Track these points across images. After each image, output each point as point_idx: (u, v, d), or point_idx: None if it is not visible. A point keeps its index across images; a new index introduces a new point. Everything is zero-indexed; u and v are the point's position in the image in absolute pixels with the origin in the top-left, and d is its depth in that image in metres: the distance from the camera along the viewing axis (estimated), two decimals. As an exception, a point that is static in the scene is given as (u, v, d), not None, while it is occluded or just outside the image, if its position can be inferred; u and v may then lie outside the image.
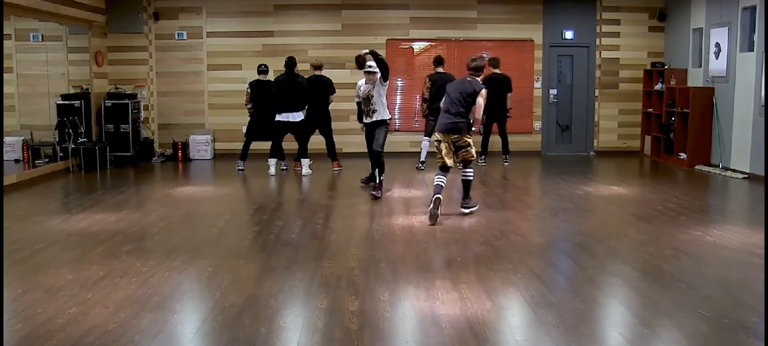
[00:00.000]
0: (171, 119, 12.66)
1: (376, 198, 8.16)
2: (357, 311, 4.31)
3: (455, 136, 7.01)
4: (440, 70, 10.69)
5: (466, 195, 7.29)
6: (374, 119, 8.47)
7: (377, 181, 8.40)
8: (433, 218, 6.74)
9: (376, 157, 8.45)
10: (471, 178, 7.27)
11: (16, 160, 10.72)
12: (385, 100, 8.52)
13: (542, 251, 5.96)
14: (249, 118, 10.83)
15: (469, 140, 7.05)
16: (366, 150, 8.96)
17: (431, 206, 6.81)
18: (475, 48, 12.38)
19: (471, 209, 7.25)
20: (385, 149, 8.65)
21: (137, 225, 6.89)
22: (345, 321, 4.13)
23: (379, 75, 8.33)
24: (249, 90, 10.66)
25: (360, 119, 8.87)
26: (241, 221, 7.23)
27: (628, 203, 8.16)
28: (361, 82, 8.62)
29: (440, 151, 7.06)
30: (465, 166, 7.17)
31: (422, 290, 4.73)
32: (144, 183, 9.86)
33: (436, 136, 7.15)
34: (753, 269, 5.25)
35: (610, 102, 13.06)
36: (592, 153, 13.07)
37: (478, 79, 7.14)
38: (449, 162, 7.04)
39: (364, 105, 8.55)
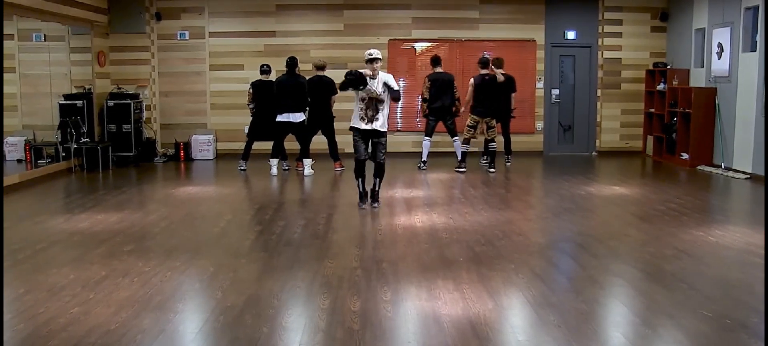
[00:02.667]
0: (173, 119, 12.67)
1: (375, 208, 7.62)
2: (359, 311, 4.31)
3: (489, 118, 10.31)
4: (438, 69, 10.72)
5: (492, 160, 10.59)
6: (375, 128, 7.44)
7: (377, 189, 7.73)
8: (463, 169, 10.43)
9: (379, 168, 7.64)
10: (495, 148, 10.62)
11: (19, 160, 10.73)
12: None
13: (544, 251, 5.96)
14: (251, 118, 10.84)
15: (495, 122, 10.45)
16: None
17: (463, 167, 10.39)
18: (477, 48, 12.39)
19: (495, 170, 10.51)
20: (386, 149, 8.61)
21: (139, 225, 6.90)
22: (347, 321, 4.13)
23: (385, 84, 7.35)
24: (251, 90, 10.67)
25: (345, 87, 7.36)
26: (242, 221, 7.23)
27: (629, 203, 8.15)
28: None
29: (475, 129, 10.37)
30: (491, 141, 10.50)
31: (424, 290, 4.73)
32: (146, 183, 9.87)
33: (475, 118, 10.28)
34: (754, 270, 5.24)
35: (612, 102, 13.05)
36: (594, 153, 13.06)
37: (486, 70, 10.36)
38: (475, 136, 10.55)
39: (367, 107, 7.39)
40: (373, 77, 7.34)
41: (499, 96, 10.45)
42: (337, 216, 7.36)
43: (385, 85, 7.37)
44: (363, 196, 7.80)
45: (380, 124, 7.46)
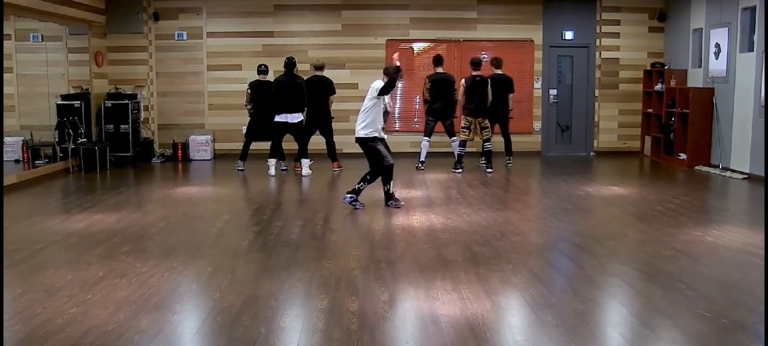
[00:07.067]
0: (171, 120, 12.65)
1: (357, 208, 7.55)
2: (357, 311, 4.31)
3: (481, 118, 10.42)
4: (440, 70, 10.71)
5: (489, 160, 10.65)
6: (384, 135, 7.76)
7: (357, 187, 7.68)
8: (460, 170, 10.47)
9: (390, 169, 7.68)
10: (491, 148, 10.69)
11: (16, 161, 10.71)
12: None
13: (542, 251, 5.96)
14: (249, 118, 10.83)
15: (488, 122, 10.53)
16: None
17: (459, 167, 10.47)
18: (475, 48, 12.38)
19: (492, 170, 10.57)
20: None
21: (137, 225, 6.89)
22: (345, 322, 4.13)
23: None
24: (249, 91, 10.67)
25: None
26: (240, 222, 7.23)
27: (627, 204, 8.15)
28: (380, 84, 7.52)
29: (470, 130, 10.43)
30: (487, 141, 10.59)
31: (422, 290, 4.73)
32: (144, 183, 9.86)
33: (468, 119, 10.41)
34: (752, 270, 5.25)
35: (610, 102, 13.06)
36: (591, 153, 13.07)
37: (478, 71, 10.43)
38: (470, 137, 10.50)
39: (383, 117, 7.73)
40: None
41: (487, 97, 10.43)
42: (335, 217, 7.36)
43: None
44: (389, 194, 7.74)
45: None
